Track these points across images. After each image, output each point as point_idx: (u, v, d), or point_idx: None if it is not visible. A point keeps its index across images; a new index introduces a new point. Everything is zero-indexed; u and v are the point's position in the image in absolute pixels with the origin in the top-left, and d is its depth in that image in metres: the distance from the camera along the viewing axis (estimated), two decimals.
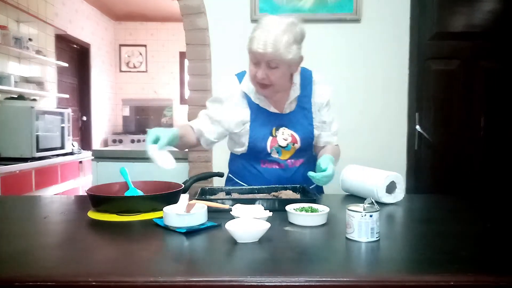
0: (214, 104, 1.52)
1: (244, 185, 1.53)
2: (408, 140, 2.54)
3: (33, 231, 1.09)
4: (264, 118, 1.47)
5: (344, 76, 2.52)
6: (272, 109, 1.48)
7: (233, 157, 1.62)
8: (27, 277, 0.75)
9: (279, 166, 1.49)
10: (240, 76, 1.52)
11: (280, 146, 1.47)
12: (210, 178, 2.27)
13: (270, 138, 1.47)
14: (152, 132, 1.26)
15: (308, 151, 1.55)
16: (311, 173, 1.31)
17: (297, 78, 1.48)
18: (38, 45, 4.07)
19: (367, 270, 0.85)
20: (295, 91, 1.47)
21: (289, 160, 1.49)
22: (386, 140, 2.52)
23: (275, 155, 1.48)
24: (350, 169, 1.54)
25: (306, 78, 1.50)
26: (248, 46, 1.35)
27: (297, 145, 1.48)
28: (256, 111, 1.48)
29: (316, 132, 1.51)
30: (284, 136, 1.47)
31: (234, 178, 1.60)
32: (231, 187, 1.44)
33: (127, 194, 1.32)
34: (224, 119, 1.50)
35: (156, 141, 1.25)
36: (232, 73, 1.56)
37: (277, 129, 1.47)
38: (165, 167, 1.23)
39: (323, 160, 1.35)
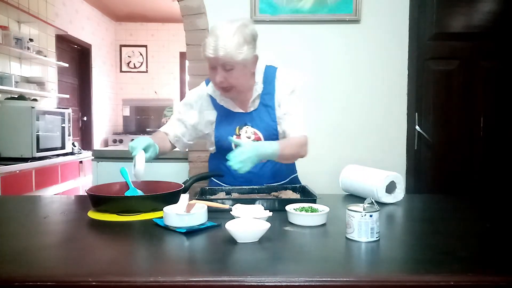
0: (185, 109, 1.58)
1: (220, 184, 1.57)
2: (408, 140, 2.54)
3: (33, 231, 1.09)
4: (228, 118, 1.52)
5: (343, 77, 2.52)
6: (237, 109, 1.52)
7: (211, 157, 1.67)
8: (27, 277, 0.75)
9: None
10: (207, 80, 1.56)
11: None
12: (210, 178, 2.27)
13: (234, 136, 1.50)
14: (144, 141, 1.33)
15: None
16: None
17: (259, 77, 1.51)
18: (39, 46, 4.07)
19: (367, 270, 0.85)
20: (257, 89, 1.50)
21: None
22: (385, 140, 2.52)
23: None
24: (350, 169, 1.54)
25: (270, 76, 1.53)
26: (202, 53, 1.39)
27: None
28: (222, 112, 1.53)
29: (280, 128, 1.52)
30: (248, 134, 1.50)
31: (213, 179, 1.64)
32: (231, 187, 1.45)
33: (127, 194, 1.32)
34: (196, 122, 1.56)
35: (147, 149, 1.33)
36: None
37: (240, 128, 1.51)
38: (141, 177, 1.30)
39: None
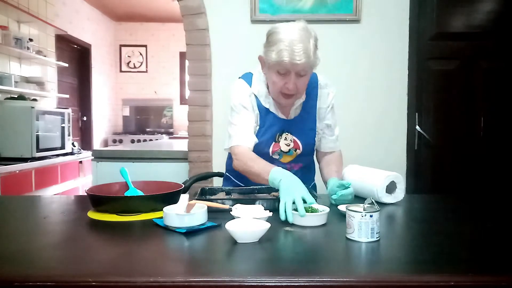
0: (244, 113, 1.47)
1: (241, 185, 1.53)
2: (408, 140, 2.54)
3: (33, 231, 1.09)
4: (270, 123, 1.47)
5: (344, 77, 2.52)
6: (279, 114, 1.48)
7: (230, 156, 1.61)
8: (26, 277, 0.75)
9: None
10: (246, 78, 1.51)
11: (282, 151, 1.48)
12: (210, 178, 2.26)
13: (273, 143, 1.48)
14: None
15: (309, 156, 1.55)
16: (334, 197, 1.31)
17: None
18: (39, 46, 4.07)
19: (367, 270, 0.85)
20: (301, 97, 1.47)
21: (288, 164, 1.50)
22: (386, 140, 2.52)
23: (275, 157, 1.49)
24: (350, 169, 1.54)
25: (312, 83, 1.48)
26: (274, 58, 1.30)
27: (299, 151, 1.49)
28: (264, 115, 1.47)
29: (317, 137, 1.52)
30: (287, 141, 1.48)
31: (231, 177, 1.60)
32: (231, 187, 1.45)
33: (127, 194, 1.32)
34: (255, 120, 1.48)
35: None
36: (232, 73, 1.56)
37: (280, 135, 1.48)
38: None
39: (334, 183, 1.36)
